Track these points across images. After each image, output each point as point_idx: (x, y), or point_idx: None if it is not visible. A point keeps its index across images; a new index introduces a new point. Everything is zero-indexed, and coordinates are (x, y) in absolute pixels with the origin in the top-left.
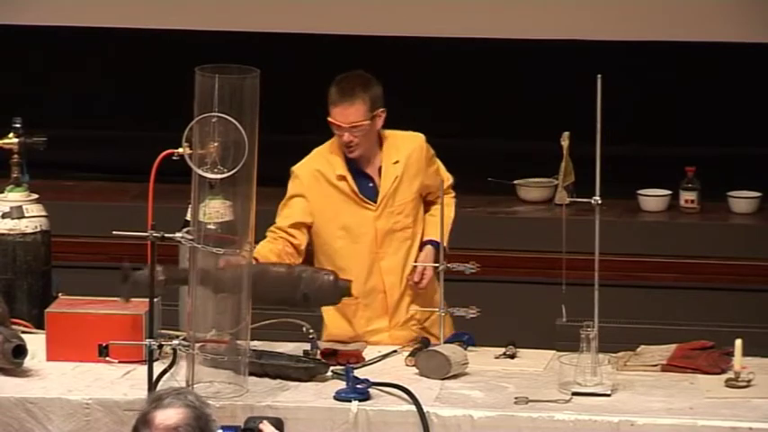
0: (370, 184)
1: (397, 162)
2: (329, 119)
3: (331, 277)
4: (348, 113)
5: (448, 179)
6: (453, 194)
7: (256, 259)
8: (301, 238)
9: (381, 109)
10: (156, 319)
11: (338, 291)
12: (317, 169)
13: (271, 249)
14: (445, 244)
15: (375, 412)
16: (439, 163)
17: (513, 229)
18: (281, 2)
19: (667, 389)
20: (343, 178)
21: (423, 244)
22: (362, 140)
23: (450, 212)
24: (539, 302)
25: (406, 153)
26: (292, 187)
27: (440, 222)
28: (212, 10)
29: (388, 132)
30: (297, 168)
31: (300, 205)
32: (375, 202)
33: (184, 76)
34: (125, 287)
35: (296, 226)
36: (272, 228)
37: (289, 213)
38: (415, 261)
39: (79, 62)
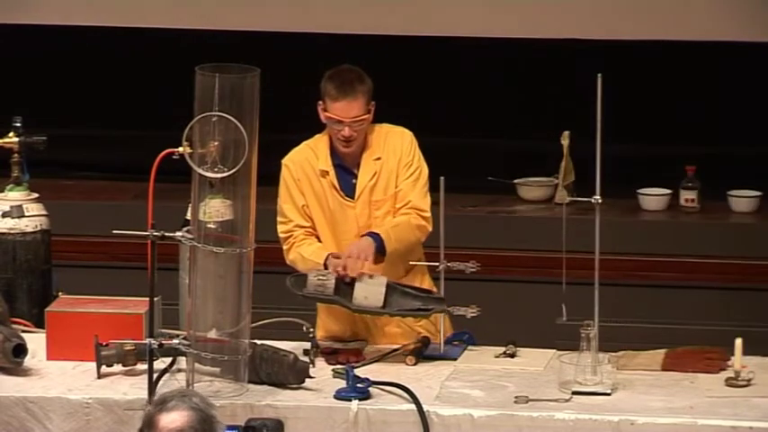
0: (354, 180)
1: (378, 159)
2: (328, 114)
3: (291, 357)
4: (351, 108)
5: (422, 206)
6: (419, 220)
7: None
8: None
9: (373, 102)
10: (156, 319)
11: (298, 371)
12: (306, 159)
13: (318, 249)
14: (389, 249)
15: (375, 411)
16: (421, 178)
17: (513, 229)
18: (282, 2)
19: (667, 388)
20: (325, 174)
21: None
22: (360, 134)
23: (400, 221)
24: (539, 301)
25: (389, 150)
26: (287, 177)
27: (440, 222)
28: (212, 10)
29: (375, 126)
30: (287, 159)
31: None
32: (354, 198)
33: (185, 76)
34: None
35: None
36: (292, 228)
37: (293, 208)
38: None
39: (79, 62)
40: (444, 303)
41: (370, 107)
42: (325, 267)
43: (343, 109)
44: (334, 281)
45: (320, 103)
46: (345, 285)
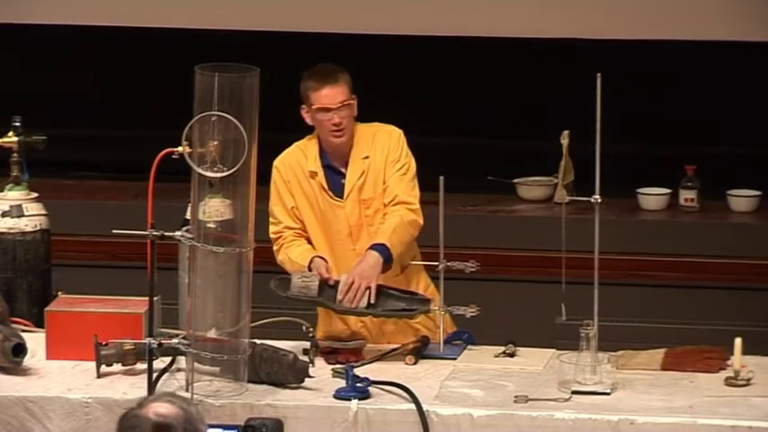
0: (342, 180)
1: (366, 157)
2: (315, 106)
3: (290, 357)
4: (336, 94)
5: (410, 200)
6: (410, 215)
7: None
8: None
9: (354, 96)
10: (155, 318)
11: (297, 371)
12: (296, 160)
13: (304, 251)
14: (394, 255)
15: (375, 411)
16: (408, 172)
17: (512, 228)
18: (282, 1)
19: (667, 387)
20: (314, 174)
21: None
22: (348, 123)
23: (396, 224)
24: (539, 301)
25: (377, 148)
26: (277, 179)
27: (440, 222)
28: (212, 10)
29: (363, 125)
30: (277, 161)
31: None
32: (343, 198)
33: (185, 76)
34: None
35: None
36: (281, 230)
37: (283, 210)
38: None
39: (78, 61)
40: (428, 304)
41: (353, 98)
42: (310, 269)
43: (329, 95)
44: (317, 282)
45: (303, 106)
46: (329, 287)
